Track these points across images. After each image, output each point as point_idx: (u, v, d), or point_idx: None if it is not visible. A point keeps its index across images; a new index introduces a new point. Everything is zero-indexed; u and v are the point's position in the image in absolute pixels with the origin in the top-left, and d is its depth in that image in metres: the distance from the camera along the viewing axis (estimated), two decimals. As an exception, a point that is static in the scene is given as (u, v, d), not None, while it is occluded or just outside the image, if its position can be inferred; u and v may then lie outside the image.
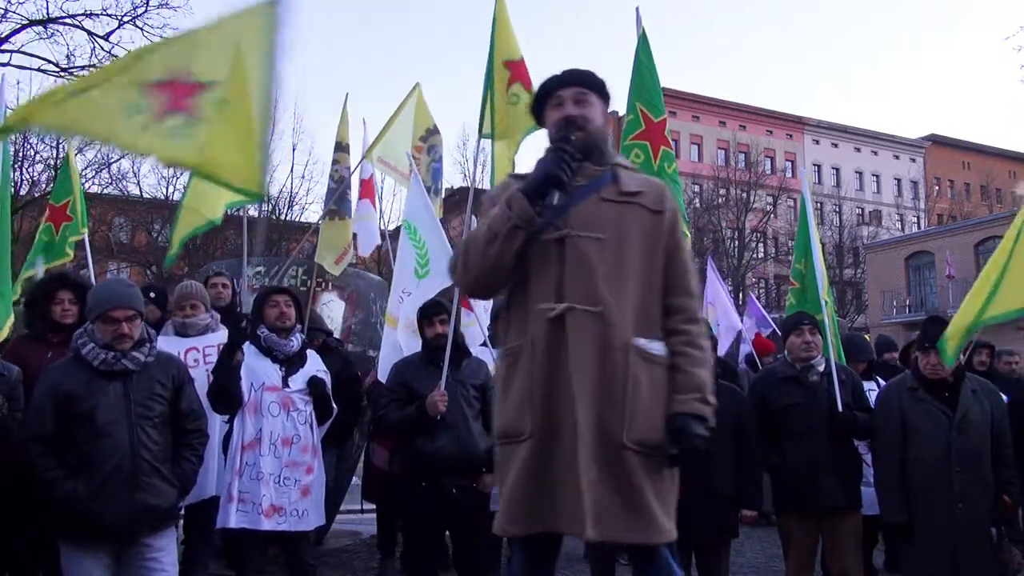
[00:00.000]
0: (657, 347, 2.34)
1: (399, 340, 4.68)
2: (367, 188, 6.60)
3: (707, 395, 2.31)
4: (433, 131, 6.27)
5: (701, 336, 2.39)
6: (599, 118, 2.47)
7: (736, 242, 34.32)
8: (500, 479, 2.40)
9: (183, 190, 4.40)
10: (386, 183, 15.47)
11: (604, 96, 2.51)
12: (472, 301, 5.13)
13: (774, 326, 9.09)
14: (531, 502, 2.28)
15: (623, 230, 2.34)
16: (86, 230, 5.74)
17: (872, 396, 4.45)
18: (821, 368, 4.19)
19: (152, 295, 4.85)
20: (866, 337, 7.08)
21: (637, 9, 4.67)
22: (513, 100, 4.35)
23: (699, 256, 23.28)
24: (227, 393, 3.68)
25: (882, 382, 4.90)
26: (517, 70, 4.43)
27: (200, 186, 4.38)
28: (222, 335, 4.35)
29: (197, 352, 4.19)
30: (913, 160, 49.90)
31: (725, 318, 9.33)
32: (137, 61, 3.04)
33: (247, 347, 3.90)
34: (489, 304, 5.59)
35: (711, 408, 2.31)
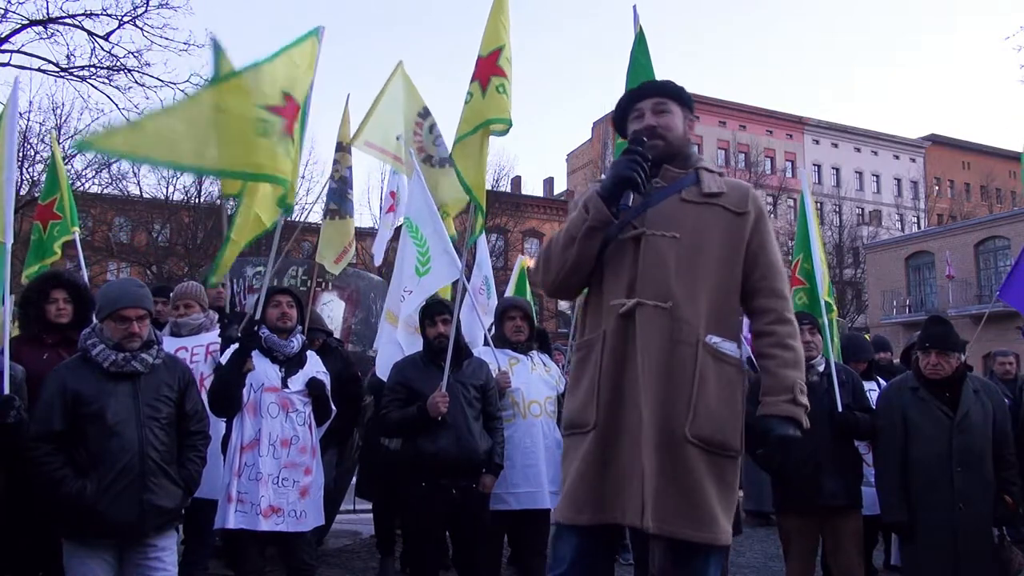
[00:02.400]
0: (730, 347, 2.35)
1: (399, 339, 4.67)
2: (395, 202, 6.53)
3: (797, 395, 2.31)
4: (426, 113, 6.12)
5: (790, 337, 2.39)
6: (679, 125, 2.51)
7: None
8: (564, 469, 2.42)
9: (228, 224, 4.31)
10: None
11: (684, 103, 2.54)
12: (472, 300, 5.12)
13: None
14: (597, 493, 2.30)
15: (700, 230, 2.37)
16: (77, 229, 5.59)
17: (872, 396, 4.44)
18: (821, 368, 4.18)
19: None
20: (866, 337, 7.05)
21: (634, 7, 4.63)
22: (499, 89, 4.27)
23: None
24: (230, 399, 3.67)
25: (883, 382, 4.88)
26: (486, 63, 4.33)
27: (243, 218, 4.16)
28: (214, 336, 4.34)
29: (185, 352, 4.17)
30: (913, 160, 49.92)
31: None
32: (253, 82, 3.16)
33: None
34: (492, 304, 5.58)
35: (802, 408, 2.31)
